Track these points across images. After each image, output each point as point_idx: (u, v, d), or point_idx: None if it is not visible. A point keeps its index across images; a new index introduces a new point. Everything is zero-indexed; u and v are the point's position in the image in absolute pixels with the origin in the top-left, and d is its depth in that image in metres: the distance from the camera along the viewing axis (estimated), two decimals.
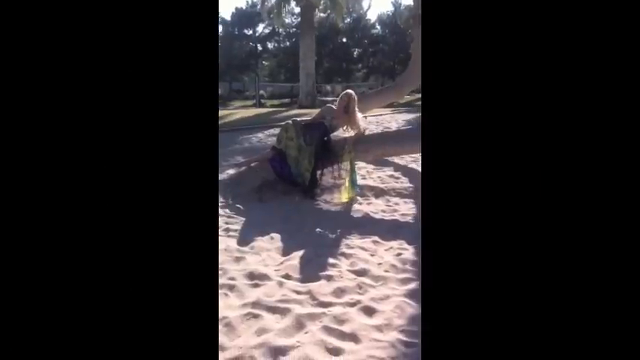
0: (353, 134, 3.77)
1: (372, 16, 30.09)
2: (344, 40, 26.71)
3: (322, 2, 14.64)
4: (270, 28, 25.55)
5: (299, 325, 1.69)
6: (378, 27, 27.06)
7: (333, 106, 3.80)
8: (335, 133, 3.85)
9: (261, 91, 20.54)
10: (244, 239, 2.56)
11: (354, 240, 2.62)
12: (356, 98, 3.75)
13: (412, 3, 6.84)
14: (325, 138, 3.67)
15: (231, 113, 9.59)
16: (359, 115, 3.80)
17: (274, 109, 13.43)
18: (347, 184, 3.52)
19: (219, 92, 22.57)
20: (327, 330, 1.65)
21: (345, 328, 1.67)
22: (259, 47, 27.67)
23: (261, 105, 16.36)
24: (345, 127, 3.84)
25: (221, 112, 9.47)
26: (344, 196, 3.45)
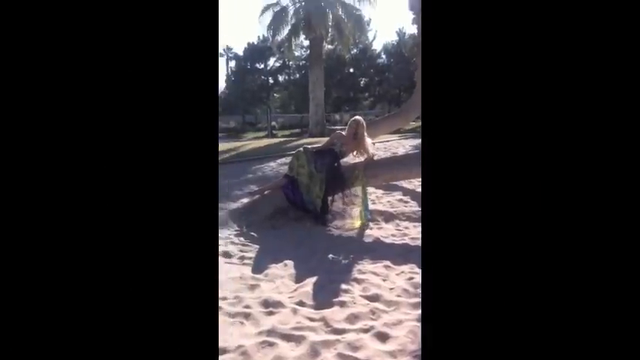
0: (362, 160, 3.83)
1: (377, 46, 30.69)
2: (351, 70, 27.32)
3: (330, 34, 15.14)
4: (281, 61, 26.36)
5: (314, 352, 1.69)
6: (384, 56, 27.67)
7: (343, 133, 3.88)
8: (345, 159, 3.91)
9: (273, 122, 21.00)
10: (258, 267, 2.59)
11: (366, 265, 2.62)
12: (364, 124, 3.84)
13: (415, 32, 7.04)
14: (335, 164, 3.73)
15: (244, 144, 9.80)
16: (368, 141, 3.88)
17: (285, 138, 13.67)
18: (360, 210, 3.54)
19: (233, 125, 23.04)
20: (342, 357, 1.65)
21: (360, 354, 1.66)
22: (271, 80, 28.48)
23: (273, 135, 16.69)
24: (354, 153, 3.90)
25: (234, 144, 9.69)
26: (356, 223, 3.47)
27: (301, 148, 3.78)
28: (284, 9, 14.29)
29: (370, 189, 4.23)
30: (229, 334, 1.80)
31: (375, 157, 4.18)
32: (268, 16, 14.31)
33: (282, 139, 12.82)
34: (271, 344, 1.72)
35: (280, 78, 28.89)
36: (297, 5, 14.35)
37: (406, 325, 1.88)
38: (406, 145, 8.43)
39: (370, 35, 24.35)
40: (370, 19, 21.97)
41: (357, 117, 3.98)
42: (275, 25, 14.22)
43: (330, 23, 14.44)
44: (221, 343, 1.69)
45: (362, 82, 28.16)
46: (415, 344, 1.74)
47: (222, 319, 1.91)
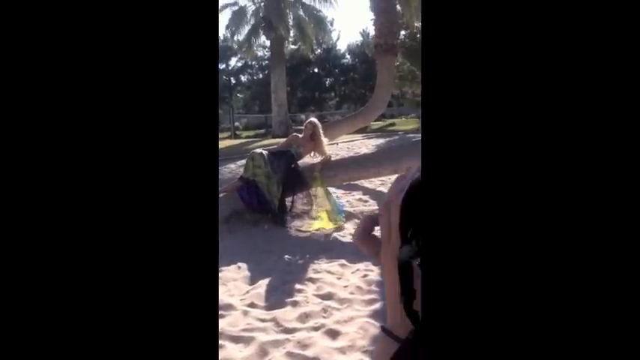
0: (319, 160, 3.86)
1: (342, 46, 31.02)
2: (315, 70, 27.44)
3: (292, 35, 15.11)
4: (243, 61, 26.05)
5: (262, 352, 1.69)
6: (348, 57, 28.01)
7: (299, 135, 3.90)
8: (303, 160, 3.93)
9: (237, 123, 20.67)
10: None
11: (322, 264, 2.65)
12: (320, 125, 3.88)
13: (373, 32, 7.16)
14: (292, 165, 3.74)
15: None
16: (325, 142, 3.92)
17: (249, 139, 13.54)
18: (329, 211, 3.53)
19: None
20: (291, 356, 1.66)
21: (309, 352, 1.68)
22: (233, 80, 28.07)
23: (237, 136, 16.44)
24: (312, 154, 3.93)
25: None
26: (327, 224, 3.43)
27: (255, 150, 3.76)
28: (242, 9, 14.12)
29: (330, 189, 4.27)
30: None
31: (334, 158, 4.22)
32: (226, 16, 14.11)
33: (245, 140, 12.68)
34: (219, 347, 1.70)
35: (243, 78, 28.56)
36: (256, 5, 14.23)
37: (357, 322, 1.92)
38: (369, 145, 8.58)
39: (334, 35, 24.58)
40: (333, 20, 22.23)
41: (313, 119, 4.03)
42: (234, 24, 14.04)
43: (290, 23, 14.42)
44: None
45: (327, 82, 28.33)
46: (365, 340, 1.77)
47: None
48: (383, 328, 0.40)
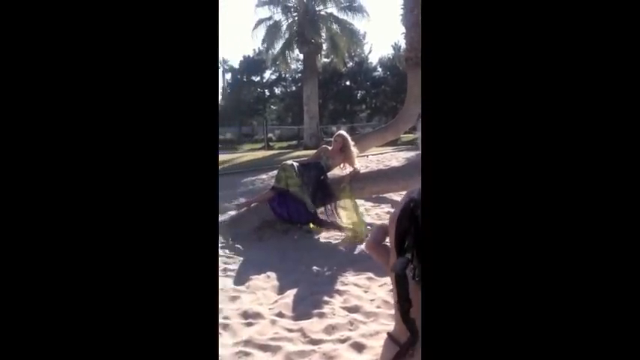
0: (349, 172, 3.90)
1: (373, 59, 30.99)
2: (347, 82, 27.59)
3: (324, 48, 15.35)
4: (277, 74, 26.65)
5: None
6: (380, 69, 27.97)
7: (329, 147, 3.96)
8: (332, 172, 3.98)
9: (270, 134, 21.08)
10: (241, 278, 2.62)
11: (349, 277, 2.66)
12: (349, 138, 3.93)
13: (404, 45, 7.16)
14: (322, 177, 3.79)
15: (239, 156, 9.91)
16: (355, 153, 3.96)
17: (282, 150, 13.78)
18: (356, 223, 3.55)
19: (229, 137, 23.15)
20: None
21: None
22: (267, 92, 28.75)
23: (270, 147, 16.75)
24: (341, 166, 3.97)
25: (230, 156, 9.77)
26: (354, 237, 3.45)
27: (287, 161, 3.84)
28: (277, 23, 14.51)
29: (359, 201, 4.28)
30: None
31: (364, 170, 4.24)
32: (262, 30, 14.54)
33: (277, 151, 12.91)
34: (247, 354, 1.75)
35: (276, 90, 29.15)
36: (290, 20, 14.58)
37: (383, 336, 1.90)
38: (399, 158, 8.50)
39: (366, 48, 24.69)
40: (365, 33, 22.39)
41: (342, 132, 4.09)
42: (268, 39, 14.44)
43: (323, 37, 14.67)
44: None
45: (358, 95, 28.41)
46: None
47: None
48: (388, 334, 0.43)
